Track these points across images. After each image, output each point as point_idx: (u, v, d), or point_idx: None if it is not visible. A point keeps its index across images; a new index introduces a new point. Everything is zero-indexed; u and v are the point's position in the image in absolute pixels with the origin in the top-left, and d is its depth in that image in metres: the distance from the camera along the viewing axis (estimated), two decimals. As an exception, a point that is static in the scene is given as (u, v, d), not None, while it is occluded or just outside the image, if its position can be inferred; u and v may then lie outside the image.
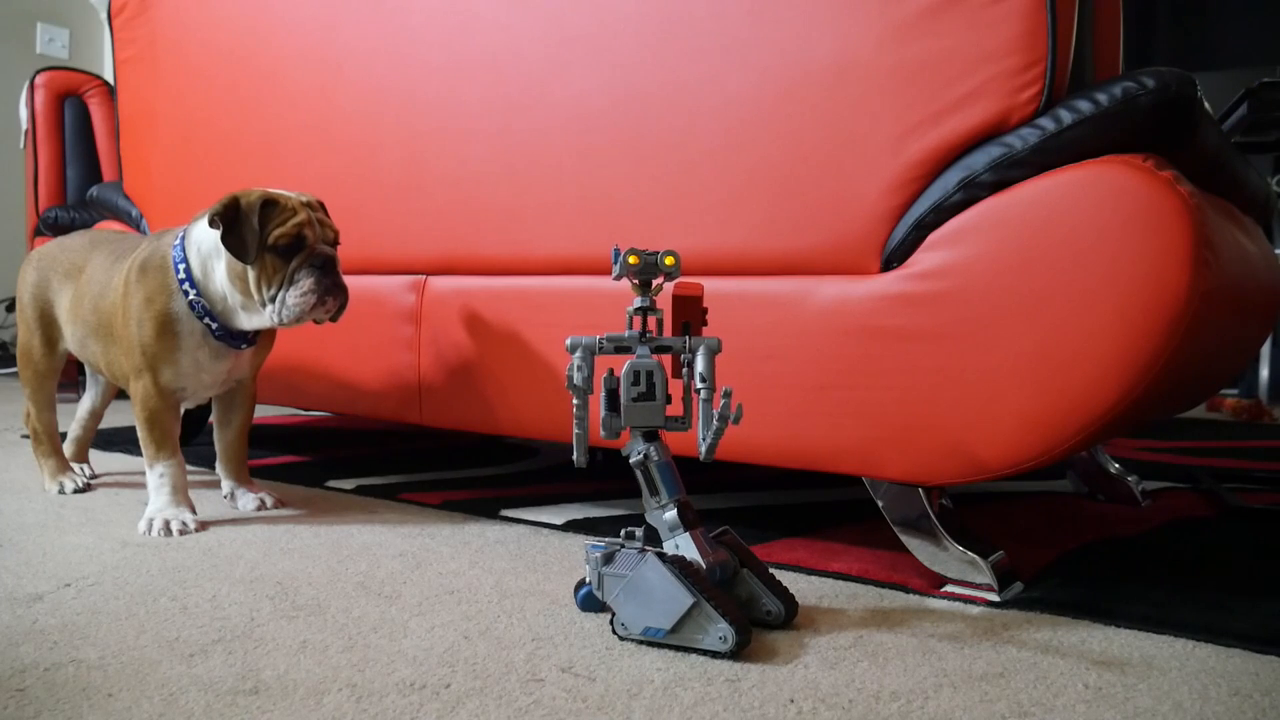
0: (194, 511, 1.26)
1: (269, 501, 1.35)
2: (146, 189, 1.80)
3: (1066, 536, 1.23)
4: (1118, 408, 0.91)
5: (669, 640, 0.82)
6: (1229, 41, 3.39)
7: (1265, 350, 2.92)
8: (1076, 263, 0.91)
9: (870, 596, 1.00)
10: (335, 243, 1.24)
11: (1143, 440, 2.17)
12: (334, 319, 1.24)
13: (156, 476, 1.26)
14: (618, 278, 0.87)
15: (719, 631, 0.80)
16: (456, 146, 1.36)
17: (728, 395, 0.80)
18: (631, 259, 0.86)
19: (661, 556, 0.82)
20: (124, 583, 1.00)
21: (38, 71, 3.14)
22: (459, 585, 1.01)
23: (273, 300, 1.20)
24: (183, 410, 1.36)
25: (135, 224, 1.83)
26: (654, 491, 0.88)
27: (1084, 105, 0.93)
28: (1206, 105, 1.02)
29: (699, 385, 0.84)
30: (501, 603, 0.95)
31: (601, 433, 0.88)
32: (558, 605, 0.95)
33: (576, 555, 1.13)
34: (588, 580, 0.88)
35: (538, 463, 1.74)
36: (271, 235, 1.18)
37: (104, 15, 1.85)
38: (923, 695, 0.74)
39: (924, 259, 0.99)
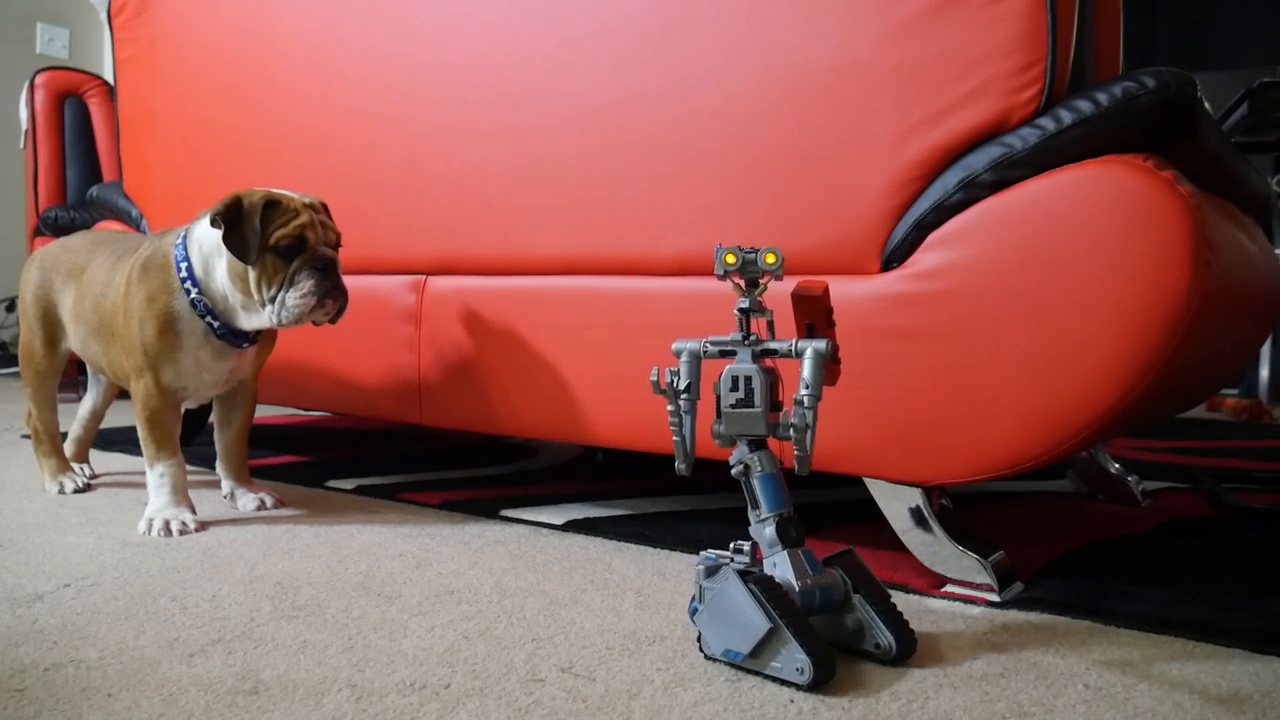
0: (194, 511, 1.26)
1: (269, 501, 1.35)
2: (146, 189, 1.80)
3: (1066, 536, 1.23)
4: (1117, 408, 0.91)
5: (748, 665, 0.77)
6: (1229, 41, 3.39)
7: (1265, 350, 2.92)
8: (1076, 262, 0.91)
9: (870, 596, 1.00)
10: (337, 245, 1.24)
11: (1143, 440, 2.17)
12: (333, 321, 1.24)
13: (156, 476, 1.26)
14: (721, 277, 0.82)
15: (797, 662, 0.74)
16: (457, 146, 1.36)
17: (798, 402, 0.77)
18: (728, 258, 0.81)
19: (744, 575, 0.77)
20: (124, 583, 1.00)
21: (37, 71, 3.14)
22: (459, 585, 1.01)
23: (273, 301, 1.20)
24: (183, 410, 1.36)
25: (135, 224, 1.83)
26: (754, 505, 0.82)
27: (1084, 105, 0.93)
28: (1206, 105, 1.02)
29: (801, 392, 0.78)
30: (501, 603, 0.95)
31: (715, 442, 0.83)
32: (558, 605, 0.95)
33: (577, 555, 1.14)
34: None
35: (538, 463, 1.74)
36: (273, 236, 1.18)
37: (104, 15, 1.85)
38: (923, 695, 0.74)
39: (924, 259, 0.99)
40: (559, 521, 1.27)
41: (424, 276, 1.42)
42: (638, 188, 1.19)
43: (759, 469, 0.82)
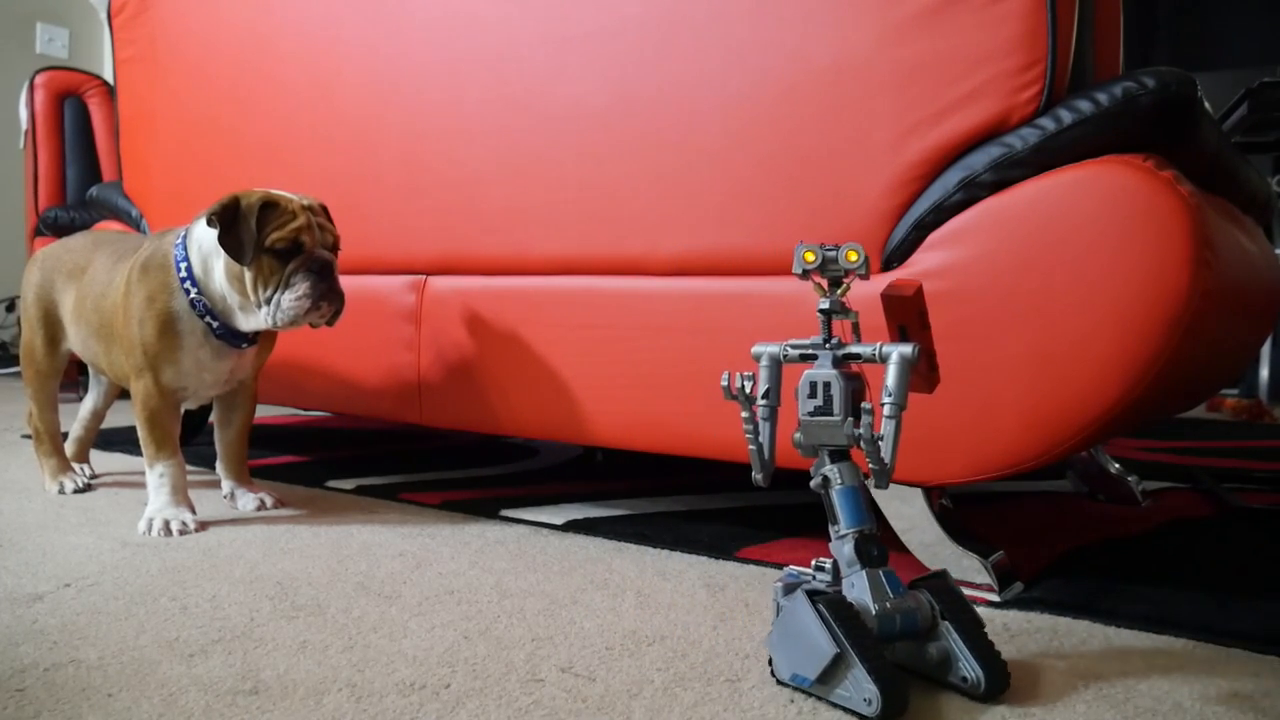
0: (194, 511, 1.26)
1: (269, 501, 1.35)
2: (146, 189, 1.80)
3: (1066, 536, 1.23)
4: (1117, 407, 0.91)
5: (814, 690, 0.72)
6: (1229, 41, 3.39)
7: (1265, 350, 2.92)
8: (1077, 262, 0.91)
9: (870, 596, 0.99)
10: (335, 248, 1.24)
11: (1143, 440, 2.17)
12: (330, 324, 1.24)
13: (156, 476, 1.26)
14: (801, 276, 0.77)
15: (865, 692, 0.68)
16: (457, 146, 1.36)
17: (868, 413, 0.72)
18: (808, 255, 0.76)
19: (815, 595, 0.72)
20: (124, 583, 1.00)
21: (37, 71, 3.14)
22: (459, 585, 1.01)
23: (268, 302, 1.20)
24: (183, 410, 1.36)
25: (135, 224, 1.83)
26: (833, 520, 0.77)
27: (1084, 105, 0.93)
28: (1207, 105, 1.02)
29: (883, 399, 0.73)
30: (501, 603, 0.95)
31: (798, 452, 0.79)
32: (558, 605, 0.95)
33: (577, 555, 1.14)
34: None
35: (538, 463, 1.74)
36: (269, 238, 1.18)
37: (104, 15, 1.85)
38: (922, 694, 0.74)
39: (924, 259, 0.99)
40: (559, 521, 1.27)
41: (424, 276, 1.42)
42: (638, 188, 1.19)
43: (838, 482, 0.77)
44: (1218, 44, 3.42)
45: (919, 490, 1.01)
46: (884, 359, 0.74)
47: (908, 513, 1.03)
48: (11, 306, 3.78)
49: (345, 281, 1.49)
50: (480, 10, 1.33)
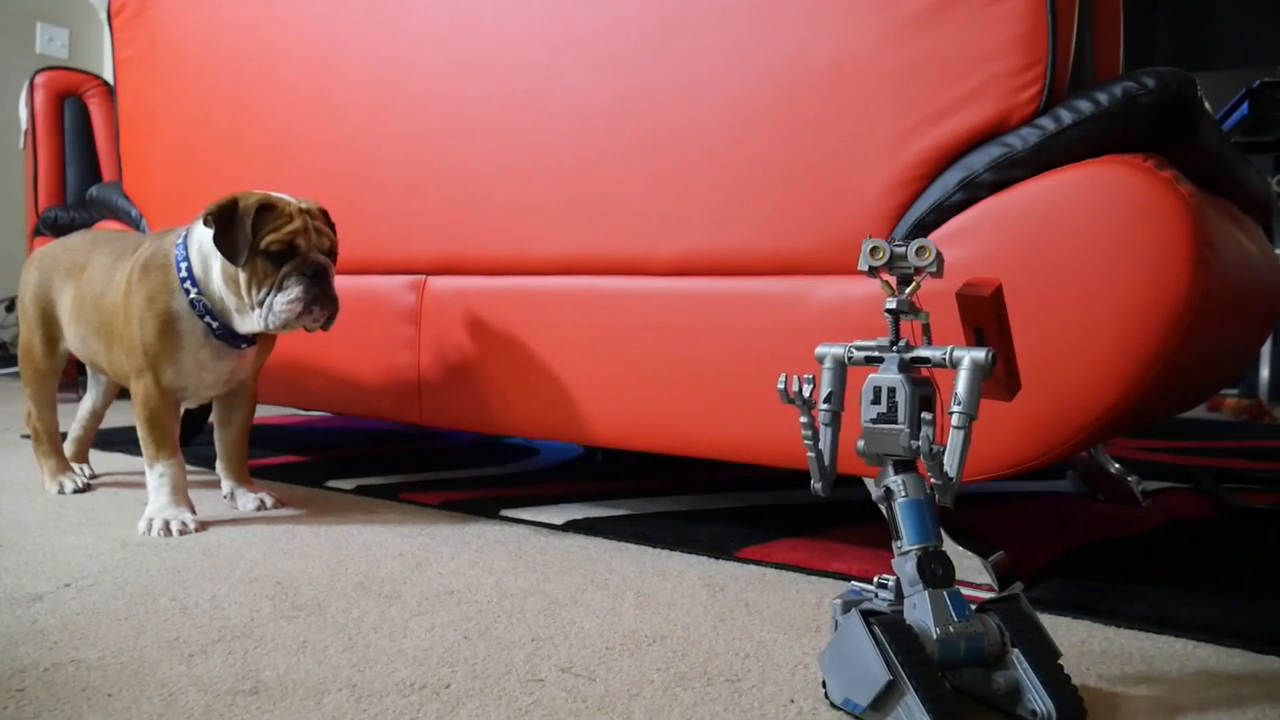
0: (194, 511, 1.26)
1: (269, 501, 1.35)
2: (146, 189, 1.80)
3: (1066, 536, 1.23)
4: (1118, 408, 0.91)
5: (867, 718, 0.67)
6: (1229, 41, 3.39)
7: (1265, 350, 2.92)
8: (1076, 263, 0.91)
9: (870, 596, 0.99)
10: (332, 252, 1.24)
11: (1143, 440, 2.17)
12: (324, 328, 1.24)
13: (156, 476, 1.26)
14: (869, 273, 0.73)
15: None
16: (457, 146, 1.36)
17: (928, 423, 0.68)
18: (874, 251, 0.71)
19: (869, 616, 0.68)
20: (124, 583, 1.00)
21: (37, 71, 3.14)
22: (459, 585, 1.01)
23: (261, 304, 1.20)
24: (183, 410, 1.36)
25: (135, 224, 1.83)
26: (896, 535, 0.72)
27: (1084, 105, 0.93)
28: (1207, 105, 1.02)
29: (951, 407, 0.68)
30: (501, 603, 0.95)
31: (863, 461, 0.74)
32: (558, 605, 0.95)
33: (577, 555, 1.14)
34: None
35: (538, 463, 1.74)
36: (264, 240, 1.18)
37: (104, 15, 1.85)
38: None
39: (924, 259, 0.99)
40: (559, 521, 1.27)
41: (424, 276, 1.42)
42: (638, 188, 1.19)
43: (902, 494, 0.71)
44: (1218, 43, 3.42)
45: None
46: (955, 364, 0.69)
47: (908, 513, 1.02)
48: (11, 306, 3.78)
49: (345, 281, 1.49)
50: (480, 10, 1.33)
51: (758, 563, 1.11)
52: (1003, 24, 0.95)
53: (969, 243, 0.96)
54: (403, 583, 1.01)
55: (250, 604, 0.94)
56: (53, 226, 2.99)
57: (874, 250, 0.71)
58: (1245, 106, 2.20)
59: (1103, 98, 0.93)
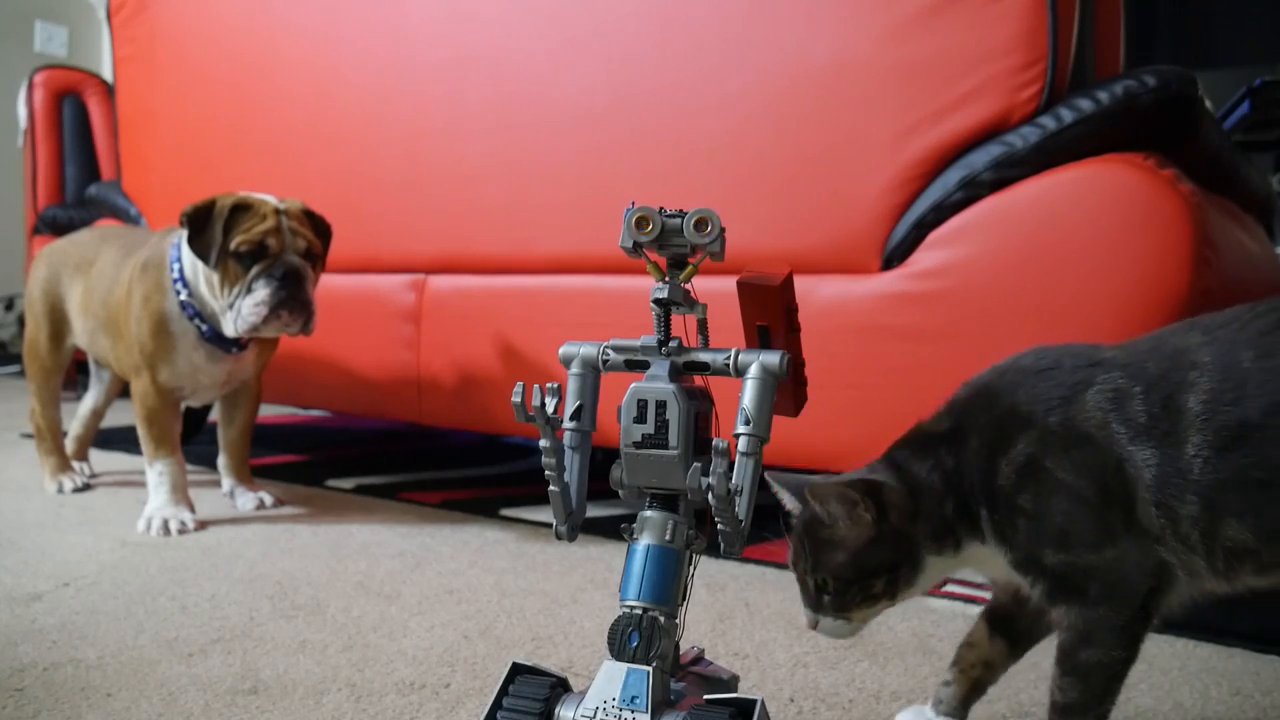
0: (193, 510, 1.26)
1: (268, 500, 1.35)
2: (145, 187, 1.80)
3: (1067, 535, 1.23)
4: (1118, 407, 0.91)
5: None
6: (1230, 40, 3.39)
7: (1265, 349, 2.91)
8: (1077, 261, 0.91)
9: (870, 596, 0.99)
10: (310, 254, 1.21)
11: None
12: (304, 333, 1.21)
13: (156, 475, 1.25)
14: (631, 251, 0.54)
15: None
16: (456, 145, 1.36)
17: (721, 452, 0.50)
18: (641, 220, 0.53)
19: (520, 670, 0.57)
20: (123, 582, 1.00)
21: (36, 70, 3.14)
22: (459, 585, 1.01)
23: (231, 307, 1.18)
24: (183, 409, 1.36)
25: (134, 222, 1.83)
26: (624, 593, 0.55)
27: (1085, 104, 0.93)
28: (1207, 103, 1.02)
29: (738, 428, 0.52)
30: (501, 602, 0.95)
31: (619, 492, 0.57)
32: (557, 605, 0.95)
33: (576, 555, 1.13)
34: None
35: (538, 462, 1.74)
36: (234, 240, 1.16)
37: (103, 13, 1.84)
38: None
39: (924, 258, 0.99)
40: (559, 521, 1.27)
41: (424, 275, 1.42)
42: (637, 187, 1.19)
43: (640, 535, 0.56)
44: (1218, 42, 3.41)
45: (919, 489, 1.01)
46: (741, 371, 0.54)
47: (908, 512, 1.02)
48: (10, 305, 3.78)
49: (345, 280, 1.49)
50: (480, 10, 1.33)
51: (758, 562, 1.11)
52: (1003, 23, 0.95)
53: (970, 241, 0.96)
54: (402, 582, 1.01)
55: (250, 603, 0.94)
56: (52, 225, 2.98)
57: (640, 221, 0.53)
58: (1246, 105, 2.20)
59: (1103, 96, 0.93)
